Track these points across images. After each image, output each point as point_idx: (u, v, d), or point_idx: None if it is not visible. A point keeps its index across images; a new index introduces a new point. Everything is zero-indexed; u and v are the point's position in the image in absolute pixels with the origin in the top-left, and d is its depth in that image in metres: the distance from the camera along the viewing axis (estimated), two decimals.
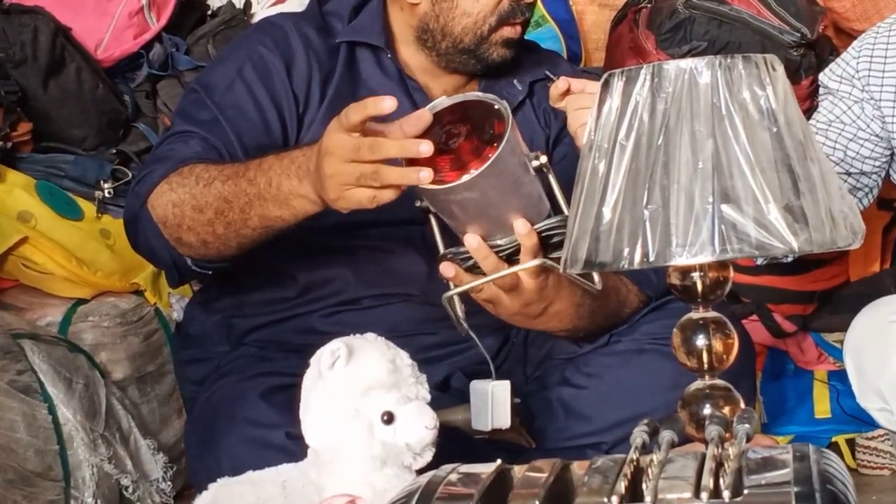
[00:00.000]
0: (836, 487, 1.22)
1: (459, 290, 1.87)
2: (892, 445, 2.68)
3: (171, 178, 2.01)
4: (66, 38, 2.85)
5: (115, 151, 2.90)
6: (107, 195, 2.76)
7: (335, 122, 1.77)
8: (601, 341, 2.11)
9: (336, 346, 1.70)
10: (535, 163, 1.84)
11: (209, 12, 3.28)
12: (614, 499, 1.20)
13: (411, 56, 2.22)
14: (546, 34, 3.24)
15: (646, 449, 1.32)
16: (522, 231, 1.82)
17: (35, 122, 2.80)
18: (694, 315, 1.48)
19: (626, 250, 1.42)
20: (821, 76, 2.49)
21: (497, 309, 1.94)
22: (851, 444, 2.75)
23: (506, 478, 1.36)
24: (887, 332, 2.24)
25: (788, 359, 2.94)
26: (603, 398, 2.07)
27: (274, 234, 1.97)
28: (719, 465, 1.24)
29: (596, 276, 1.90)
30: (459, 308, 1.90)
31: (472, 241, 1.84)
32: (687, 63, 1.44)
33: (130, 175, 2.80)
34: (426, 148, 1.73)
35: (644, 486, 1.22)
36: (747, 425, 1.32)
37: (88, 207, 2.73)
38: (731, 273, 1.49)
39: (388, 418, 1.69)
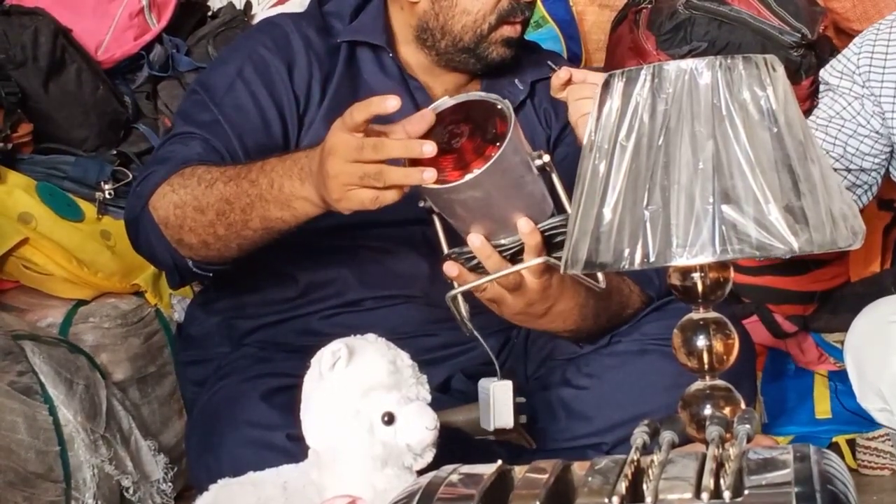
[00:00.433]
0: (836, 488, 1.22)
1: (463, 288, 1.87)
2: (892, 446, 2.68)
3: (173, 179, 2.01)
4: (66, 40, 2.85)
5: (115, 153, 2.89)
6: (107, 196, 2.75)
7: (339, 121, 1.77)
8: (602, 342, 2.11)
9: (337, 346, 1.70)
10: (538, 162, 1.84)
11: (209, 13, 3.28)
12: (615, 499, 1.20)
13: (412, 55, 2.22)
14: (546, 34, 3.24)
15: (646, 449, 1.32)
16: (525, 230, 1.82)
17: (35, 124, 2.80)
18: (694, 315, 1.48)
19: (627, 251, 1.42)
20: (821, 72, 2.49)
21: (500, 308, 1.94)
22: (852, 444, 2.75)
23: (506, 478, 1.36)
24: (887, 333, 2.24)
25: (789, 359, 2.94)
26: (604, 399, 2.07)
27: (275, 235, 1.97)
28: (720, 465, 1.24)
29: (600, 275, 1.90)
30: (463, 308, 1.90)
31: (475, 240, 1.84)
32: (687, 64, 1.44)
33: (131, 176, 2.80)
34: (430, 148, 1.73)
35: (645, 486, 1.22)
36: (748, 426, 1.32)
37: (89, 208, 2.73)
38: (732, 273, 1.49)
39: (389, 419, 1.69)
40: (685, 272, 1.47)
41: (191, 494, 2.21)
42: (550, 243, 1.85)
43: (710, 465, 1.23)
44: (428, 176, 1.73)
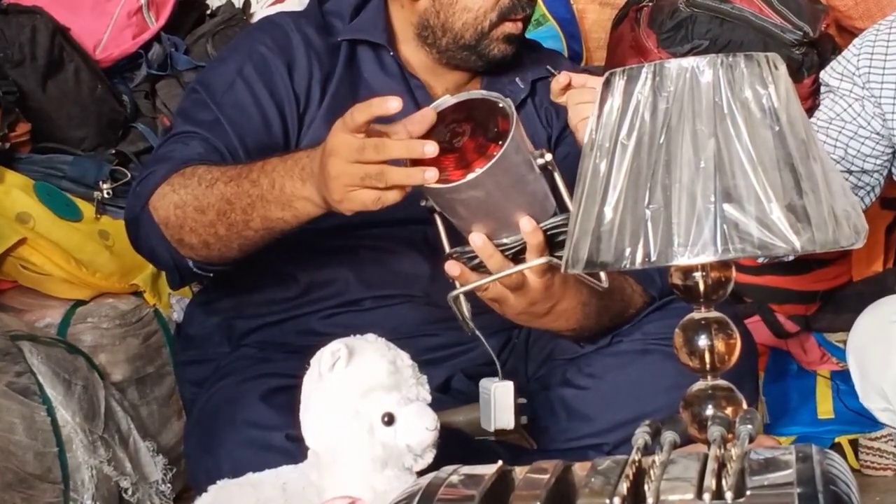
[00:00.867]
0: (839, 488, 1.22)
1: (465, 289, 1.87)
2: (895, 446, 2.68)
3: (173, 179, 2.00)
4: (64, 39, 2.85)
5: (113, 152, 2.89)
6: (106, 196, 2.75)
7: (340, 122, 1.77)
8: (603, 342, 2.11)
9: (336, 347, 1.70)
10: (540, 161, 1.84)
11: (208, 12, 3.28)
12: (616, 500, 1.20)
13: (412, 54, 2.22)
14: (547, 33, 3.24)
15: (648, 450, 1.32)
16: (528, 229, 1.82)
17: (33, 123, 2.79)
18: (696, 315, 1.48)
19: (628, 250, 1.42)
20: (822, 74, 2.49)
21: (503, 308, 1.94)
22: (854, 444, 2.74)
23: (507, 479, 1.36)
24: (890, 332, 2.24)
25: (791, 359, 2.94)
26: (605, 399, 2.07)
27: (276, 235, 1.97)
28: (722, 466, 1.23)
29: (602, 275, 1.89)
30: (466, 307, 1.89)
31: (477, 239, 1.84)
32: (688, 62, 1.44)
33: (129, 176, 2.80)
34: (431, 149, 1.73)
35: (646, 487, 1.22)
36: (750, 426, 1.31)
37: (87, 208, 2.72)
38: (734, 273, 1.49)
39: (389, 419, 1.69)
40: (687, 271, 1.47)
41: (190, 496, 2.20)
42: (553, 242, 1.85)
43: (711, 466, 1.22)
44: (430, 176, 1.73)
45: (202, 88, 2.18)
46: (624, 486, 1.22)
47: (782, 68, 1.47)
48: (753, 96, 1.44)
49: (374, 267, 2.16)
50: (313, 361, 1.73)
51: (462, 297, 1.89)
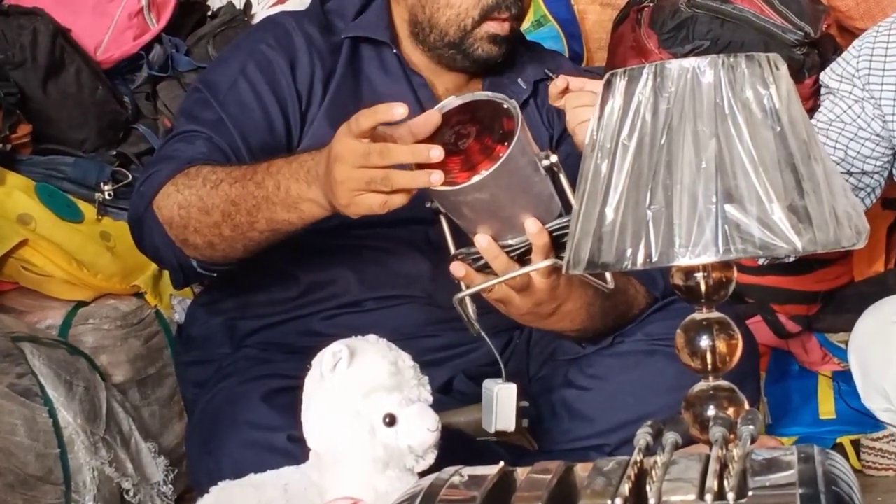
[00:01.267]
0: (841, 489, 1.22)
1: (471, 291, 1.87)
2: None
3: (178, 179, 2.00)
4: (65, 40, 2.85)
5: (115, 153, 2.89)
6: (107, 197, 2.75)
7: (345, 127, 1.77)
8: (605, 342, 2.11)
9: (337, 347, 1.70)
10: (546, 162, 1.83)
11: (209, 13, 3.28)
12: (618, 501, 1.20)
13: (412, 52, 2.22)
14: (548, 34, 3.24)
15: (649, 451, 1.32)
16: (533, 230, 1.82)
17: (35, 124, 2.79)
18: (697, 316, 1.48)
19: (629, 251, 1.41)
20: (821, 76, 2.49)
21: (508, 309, 1.94)
22: (856, 445, 2.74)
23: (509, 480, 1.36)
24: (891, 333, 2.24)
25: (793, 359, 2.94)
26: (606, 400, 2.07)
27: (281, 236, 1.97)
28: (723, 466, 1.23)
29: (608, 276, 1.89)
30: (471, 308, 1.89)
31: (482, 241, 1.84)
32: (690, 62, 1.44)
33: (130, 177, 2.80)
34: (437, 153, 1.73)
35: (648, 488, 1.22)
36: (751, 426, 1.31)
37: (88, 209, 2.72)
38: (735, 273, 1.49)
39: (390, 420, 1.69)
40: (688, 272, 1.46)
41: (191, 497, 2.21)
42: (558, 243, 1.84)
43: (713, 467, 1.22)
44: (435, 178, 1.73)
45: (205, 87, 2.18)
46: (626, 487, 1.22)
47: (783, 69, 1.47)
48: (755, 97, 1.43)
49: (375, 268, 2.16)
50: (315, 362, 1.73)
51: (468, 299, 1.89)
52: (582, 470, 1.37)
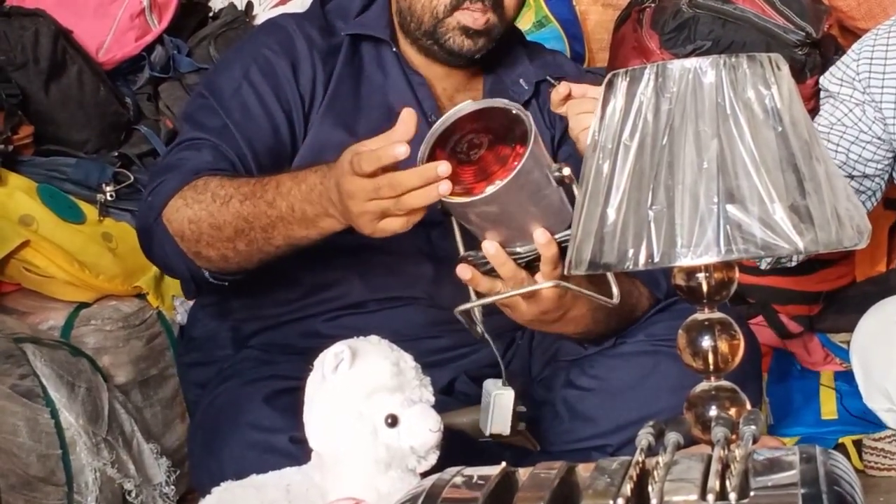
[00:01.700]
0: (843, 489, 1.22)
1: (479, 303, 1.87)
2: None
3: (186, 192, 2.00)
4: (67, 41, 2.85)
5: (116, 154, 2.89)
6: (109, 198, 2.75)
7: (347, 165, 1.77)
8: (607, 343, 2.11)
9: (339, 348, 1.70)
10: (558, 174, 1.82)
11: (210, 14, 3.28)
12: (620, 501, 1.20)
13: (408, 49, 2.22)
14: (549, 34, 3.24)
15: (651, 451, 1.32)
16: (542, 241, 1.82)
17: (36, 126, 2.79)
18: (699, 316, 1.48)
19: (631, 251, 1.41)
20: (821, 79, 2.49)
21: (514, 314, 1.94)
22: (858, 445, 2.74)
23: (511, 480, 1.36)
24: (894, 333, 2.25)
25: (794, 360, 2.93)
26: (608, 400, 2.07)
27: (299, 249, 1.97)
28: (725, 466, 1.23)
29: (614, 290, 1.88)
30: (477, 311, 1.89)
31: (489, 247, 1.84)
32: (691, 63, 1.44)
33: (132, 178, 2.80)
34: (444, 168, 1.73)
35: (650, 488, 1.22)
36: (753, 427, 1.31)
37: (90, 211, 2.72)
38: (737, 274, 1.49)
39: (392, 421, 1.69)
40: (690, 272, 1.46)
41: (193, 498, 2.21)
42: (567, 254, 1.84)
43: (715, 467, 1.22)
44: (443, 189, 1.73)
45: (209, 93, 2.17)
46: (628, 487, 1.22)
47: (785, 69, 1.47)
48: (756, 97, 1.43)
49: (377, 269, 2.16)
50: (317, 363, 1.73)
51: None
52: (584, 470, 1.37)
